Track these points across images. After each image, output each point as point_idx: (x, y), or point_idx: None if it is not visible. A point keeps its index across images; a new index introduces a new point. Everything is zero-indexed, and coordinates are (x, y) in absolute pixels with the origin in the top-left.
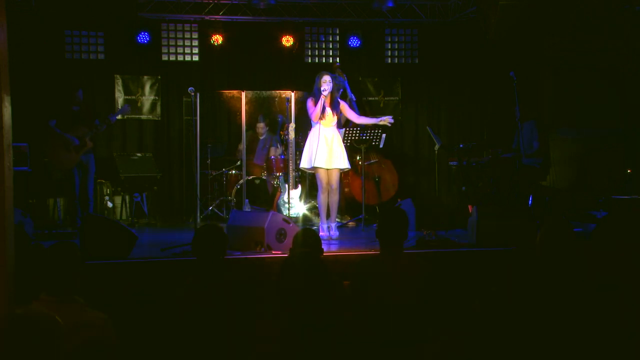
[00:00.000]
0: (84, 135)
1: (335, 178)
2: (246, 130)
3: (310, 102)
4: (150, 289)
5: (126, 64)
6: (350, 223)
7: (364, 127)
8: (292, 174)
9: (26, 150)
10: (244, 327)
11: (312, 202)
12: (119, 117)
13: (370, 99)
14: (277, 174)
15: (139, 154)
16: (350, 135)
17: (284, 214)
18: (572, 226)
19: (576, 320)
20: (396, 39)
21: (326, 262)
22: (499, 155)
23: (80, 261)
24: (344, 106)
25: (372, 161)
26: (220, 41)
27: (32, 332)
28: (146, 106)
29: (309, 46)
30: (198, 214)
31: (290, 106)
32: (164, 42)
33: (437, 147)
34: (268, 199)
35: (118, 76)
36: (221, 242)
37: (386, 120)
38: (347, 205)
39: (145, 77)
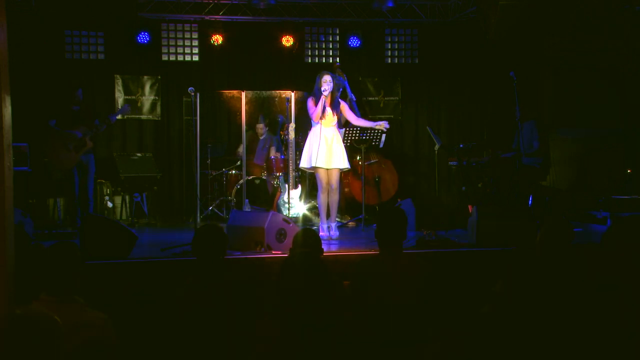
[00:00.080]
0: (84, 134)
1: (335, 178)
2: (246, 131)
3: (310, 102)
4: (150, 289)
5: (126, 64)
6: (350, 223)
7: (363, 127)
8: (292, 174)
9: (26, 150)
10: (244, 327)
11: (312, 202)
12: (119, 117)
13: (370, 99)
14: (277, 174)
15: (139, 154)
16: (350, 135)
17: (284, 214)
18: (572, 226)
19: (576, 320)
20: (396, 39)
21: (326, 262)
22: (499, 155)
23: (80, 261)
24: (343, 106)
25: (372, 161)
26: (220, 41)
27: (31, 332)
28: (146, 106)
29: (309, 46)
30: (198, 214)
31: (290, 106)
32: (164, 42)
33: (437, 147)
34: (268, 199)
35: (118, 76)
36: (221, 242)
37: (382, 125)
38: (347, 205)
39: (145, 77)
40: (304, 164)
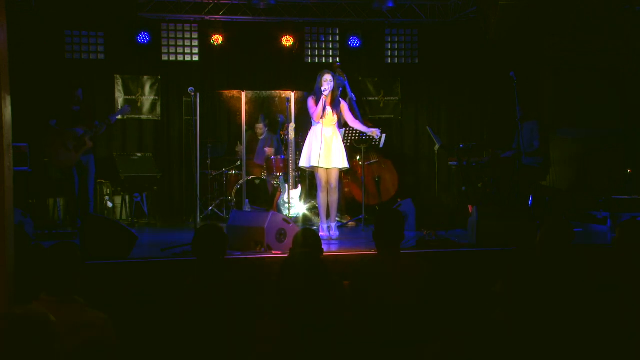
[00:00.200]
0: (85, 134)
1: (334, 177)
2: (246, 131)
3: (311, 101)
4: (150, 289)
5: (126, 64)
6: (350, 223)
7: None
8: (292, 174)
9: (26, 150)
10: (244, 327)
11: (312, 202)
12: (119, 117)
13: (370, 99)
14: (277, 174)
15: (139, 154)
16: (350, 135)
17: (284, 214)
18: (572, 226)
19: (576, 320)
20: (396, 39)
21: (326, 262)
22: (499, 155)
23: (80, 261)
24: (343, 106)
25: (372, 161)
26: (220, 41)
27: (24, 331)
28: (146, 106)
29: (309, 46)
30: (198, 214)
31: (290, 106)
32: (164, 42)
33: (437, 147)
34: (268, 199)
35: (118, 76)
36: (221, 242)
37: (373, 132)
38: (347, 205)
39: (145, 77)
40: (303, 163)
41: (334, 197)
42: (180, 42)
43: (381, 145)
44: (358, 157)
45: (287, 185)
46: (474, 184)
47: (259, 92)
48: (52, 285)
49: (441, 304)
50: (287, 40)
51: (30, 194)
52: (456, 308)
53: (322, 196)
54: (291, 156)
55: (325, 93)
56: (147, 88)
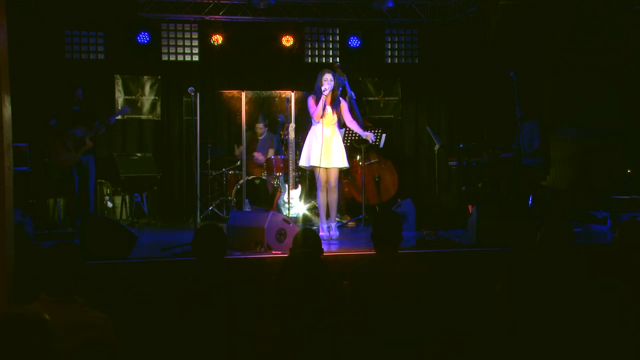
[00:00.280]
0: (84, 134)
1: (333, 177)
2: (246, 131)
3: (311, 101)
4: (150, 289)
5: (126, 64)
6: (350, 223)
7: (363, 127)
8: (292, 174)
9: (26, 150)
10: (244, 327)
11: (312, 202)
12: (118, 117)
13: (370, 99)
14: (277, 174)
15: (139, 154)
16: (350, 135)
17: (284, 214)
18: (572, 226)
19: (576, 320)
20: (396, 39)
21: (326, 262)
22: (499, 155)
23: (80, 261)
24: (343, 105)
25: (372, 161)
26: (220, 41)
27: (18, 331)
28: (146, 106)
29: (309, 46)
30: (198, 214)
31: (290, 106)
32: (164, 42)
33: (437, 147)
34: (268, 199)
35: (118, 76)
36: (221, 242)
37: (368, 136)
38: (347, 205)
39: (145, 77)
40: (303, 162)
41: (334, 196)
42: (180, 42)
43: (381, 146)
44: (358, 157)
45: (287, 185)
46: (474, 184)
47: (259, 92)
48: (52, 285)
49: (441, 304)
50: (287, 40)
51: (30, 194)
52: (456, 308)
53: (321, 195)
54: (291, 156)
55: (326, 92)
56: (147, 88)
